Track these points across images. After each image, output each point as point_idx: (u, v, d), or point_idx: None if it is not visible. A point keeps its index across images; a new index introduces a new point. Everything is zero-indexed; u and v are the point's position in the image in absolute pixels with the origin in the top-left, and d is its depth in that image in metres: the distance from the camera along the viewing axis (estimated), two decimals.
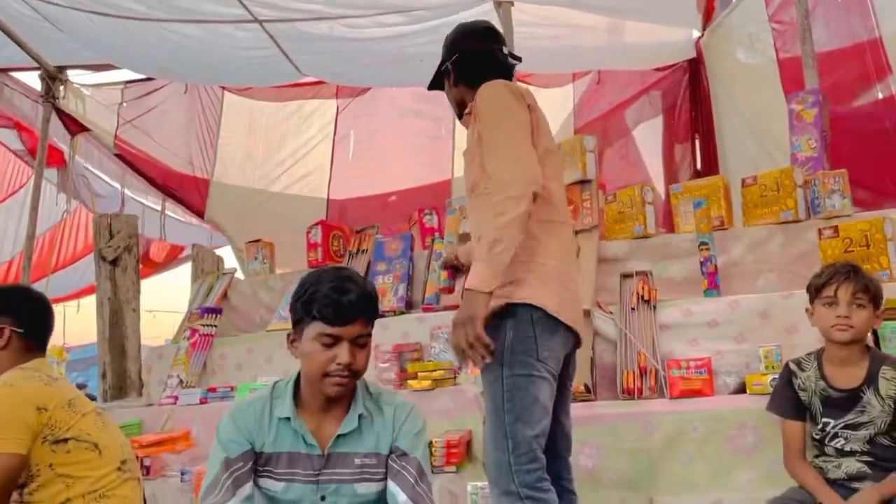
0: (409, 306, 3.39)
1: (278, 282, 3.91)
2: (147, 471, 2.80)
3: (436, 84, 2.23)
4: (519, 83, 2.14)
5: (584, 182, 3.47)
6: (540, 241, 1.90)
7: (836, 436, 2.13)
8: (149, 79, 5.54)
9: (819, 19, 3.80)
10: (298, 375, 1.73)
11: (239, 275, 4.20)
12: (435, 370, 2.85)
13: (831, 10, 3.88)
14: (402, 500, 1.66)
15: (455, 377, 2.91)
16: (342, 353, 1.63)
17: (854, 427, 2.11)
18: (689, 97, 5.25)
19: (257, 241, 4.06)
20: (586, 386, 2.74)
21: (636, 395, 2.69)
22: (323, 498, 1.68)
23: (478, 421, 2.74)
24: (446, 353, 3.04)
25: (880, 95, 3.79)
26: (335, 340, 1.63)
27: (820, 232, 2.90)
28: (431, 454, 2.63)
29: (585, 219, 3.43)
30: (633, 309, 2.96)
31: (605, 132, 5.39)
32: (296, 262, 4.05)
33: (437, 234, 3.68)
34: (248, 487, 1.64)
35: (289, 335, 1.72)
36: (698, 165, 5.20)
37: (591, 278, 3.19)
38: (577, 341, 1.99)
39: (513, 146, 1.89)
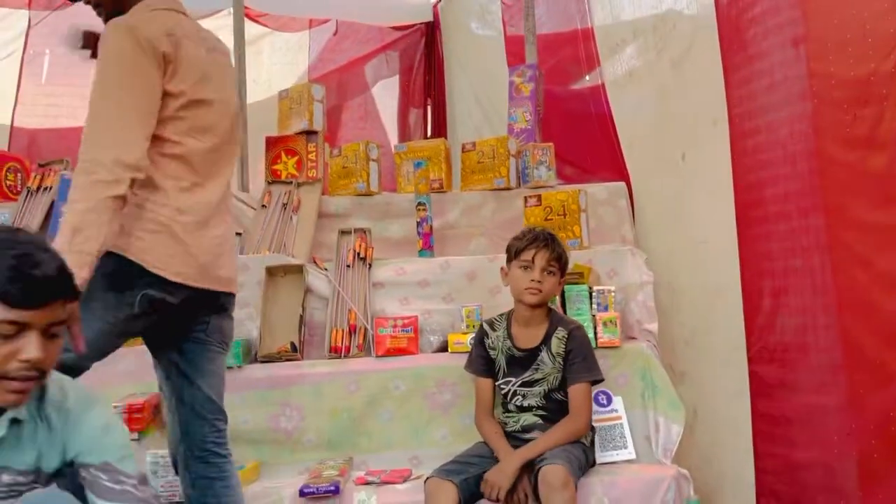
0: None
1: None
2: None
3: None
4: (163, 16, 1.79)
5: (310, 133, 3.32)
6: (168, 195, 1.73)
7: (515, 393, 2.26)
8: None
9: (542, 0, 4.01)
10: None
11: None
12: None
13: None
14: None
15: None
16: (29, 346, 1.22)
17: (530, 384, 2.25)
18: (425, 61, 5.31)
19: None
20: (293, 344, 2.61)
21: (343, 354, 2.63)
22: None
23: None
24: None
25: (588, 81, 4.11)
26: (20, 329, 1.22)
27: (525, 200, 3.06)
28: None
29: (310, 171, 3.28)
30: (348, 266, 2.89)
31: (344, 86, 5.26)
32: None
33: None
34: None
35: None
36: (429, 131, 5.29)
37: (309, 234, 3.06)
38: (209, 301, 1.84)
39: (119, 123, 1.64)
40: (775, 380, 2.49)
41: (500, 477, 2.05)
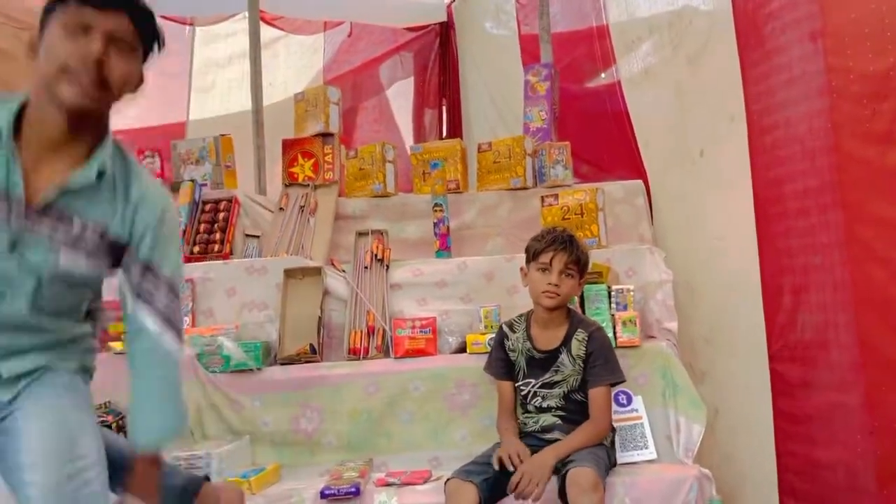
0: None
1: None
2: None
3: None
4: None
5: (326, 135, 3.34)
6: None
7: (535, 394, 2.25)
8: None
9: None
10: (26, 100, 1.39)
11: None
12: None
13: None
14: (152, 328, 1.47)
15: None
16: (92, 44, 1.33)
17: (549, 386, 2.24)
18: (440, 62, 5.31)
19: None
20: (312, 346, 2.62)
21: (362, 356, 2.63)
22: (14, 246, 1.36)
23: (192, 386, 2.51)
24: None
25: (604, 78, 4.10)
26: (85, 30, 1.34)
27: (542, 199, 3.06)
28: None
29: (326, 174, 3.30)
30: (366, 268, 2.90)
31: (358, 87, 5.27)
32: None
33: (159, 178, 3.30)
34: None
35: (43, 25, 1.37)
36: (444, 131, 5.29)
37: (326, 236, 3.08)
38: None
39: None
40: (796, 378, 2.47)
41: (539, 470, 2.00)
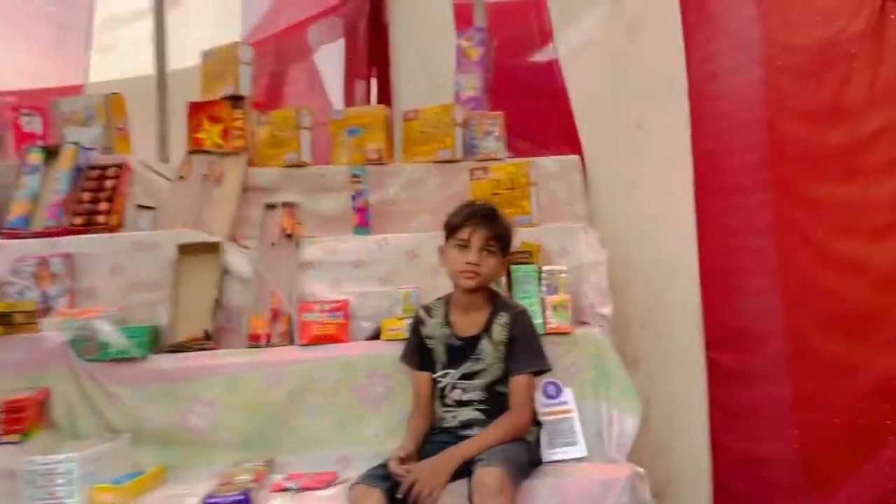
0: None
1: None
2: None
3: None
4: None
5: (236, 98, 3.02)
6: None
7: (454, 387, 2.04)
8: None
9: None
10: None
11: None
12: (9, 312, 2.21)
13: None
14: None
15: (38, 322, 2.30)
16: None
17: (470, 377, 2.03)
18: (370, 28, 5.02)
19: None
20: (206, 332, 2.33)
21: (264, 342, 2.36)
22: None
23: (63, 377, 2.20)
24: (31, 290, 2.39)
25: (541, 50, 3.90)
26: None
27: (472, 172, 2.83)
28: None
29: (236, 141, 3.00)
30: (273, 244, 2.62)
31: (284, 52, 4.96)
32: None
33: (38, 140, 2.93)
34: None
35: None
36: (373, 100, 5.01)
37: (230, 208, 2.78)
38: None
39: None
40: (732, 367, 2.33)
41: (434, 477, 1.80)
